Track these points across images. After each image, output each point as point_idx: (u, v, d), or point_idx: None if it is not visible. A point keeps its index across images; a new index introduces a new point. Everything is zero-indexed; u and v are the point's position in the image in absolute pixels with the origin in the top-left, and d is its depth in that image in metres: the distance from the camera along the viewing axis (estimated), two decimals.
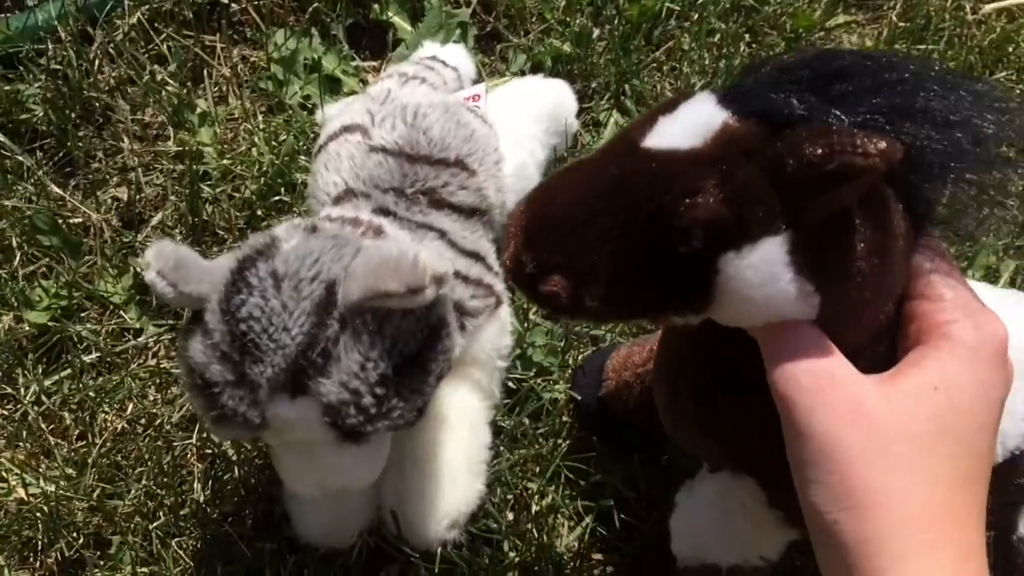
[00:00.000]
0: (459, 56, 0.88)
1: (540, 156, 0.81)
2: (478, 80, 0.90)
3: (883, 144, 0.35)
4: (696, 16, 0.98)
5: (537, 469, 0.74)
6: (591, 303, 0.42)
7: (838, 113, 0.37)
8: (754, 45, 0.98)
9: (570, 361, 0.79)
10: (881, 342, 0.44)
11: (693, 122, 0.40)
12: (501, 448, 0.74)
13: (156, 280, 0.52)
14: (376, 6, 0.99)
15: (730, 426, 0.50)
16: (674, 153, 0.40)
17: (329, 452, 0.54)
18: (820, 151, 0.36)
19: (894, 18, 1.01)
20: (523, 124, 0.80)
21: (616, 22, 0.96)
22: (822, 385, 0.39)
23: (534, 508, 0.73)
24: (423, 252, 0.52)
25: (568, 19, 0.98)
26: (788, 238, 0.39)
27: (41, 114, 0.90)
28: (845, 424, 0.38)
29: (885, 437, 0.38)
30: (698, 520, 0.58)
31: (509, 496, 0.74)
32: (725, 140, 0.39)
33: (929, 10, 1.00)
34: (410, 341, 0.53)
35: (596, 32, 0.96)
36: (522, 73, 0.96)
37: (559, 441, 0.74)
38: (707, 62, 0.95)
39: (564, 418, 0.75)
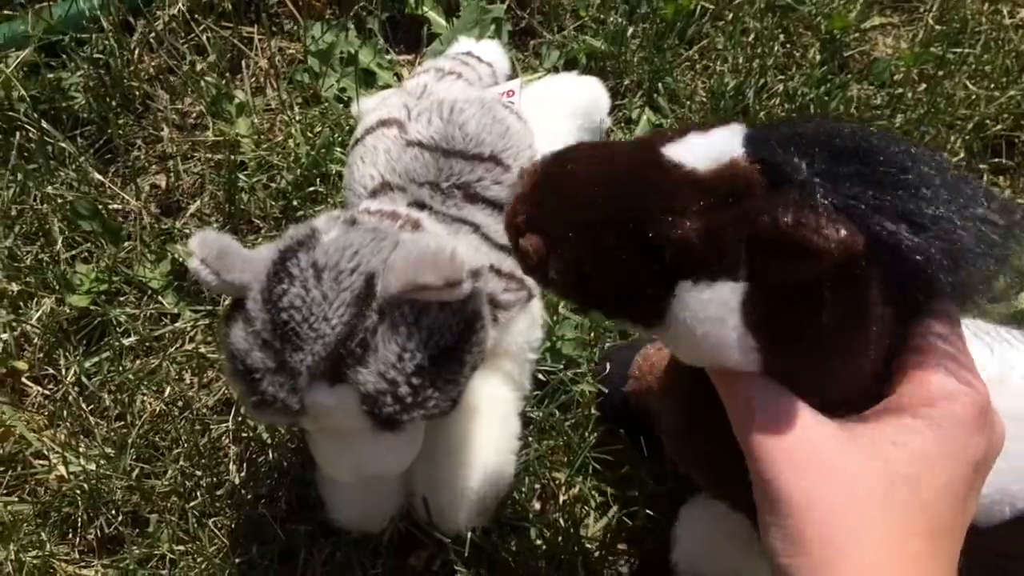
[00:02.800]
0: (494, 52, 0.89)
1: None
2: (512, 76, 0.91)
3: (843, 233, 0.36)
4: (731, 15, 0.98)
5: (565, 459, 0.75)
6: (553, 275, 0.44)
7: (822, 192, 0.37)
8: (788, 45, 0.98)
9: (598, 354, 0.80)
10: (870, 397, 0.44)
11: (712, 147, 0.41)
12: (530, 439, 0.75)
13: (199, 268, 0.54)
14: (412, 1, 1.00)
15: (717, 462, 0.50)
16: (680, 169, 0.41)
17: (365, 439, 0.55)
18: (788, 220, 0.37)
19: (930, 20, 1.00)
20: (557, 121, 0.81)
21: (650, 20, 0.97)
22: (780, 432, 0.39)
23: (561, 498, 0.74)
24: (460, 247, 0.53)
25: (603, 16, 0.98)
26: (744, 289, 0.40)
27: (83, 102, 0.92)
28: (801, 471, 0.38)
29: (839, 485, 0.38)
30: (698, 537, 0.59)
31: (537, 485, 0.75)
32: (726, 175, 0.40)
33: (966, 13, 0.99)
34: (446, 333, 0.54)
35: (630, 30, 0.96)
36: (555, 69, 0.97)
37: (587, 433, 0.76)
38: (740, 61, 0.96)
39: (592, 410, 0.76)
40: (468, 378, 0.57)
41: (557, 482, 0.75)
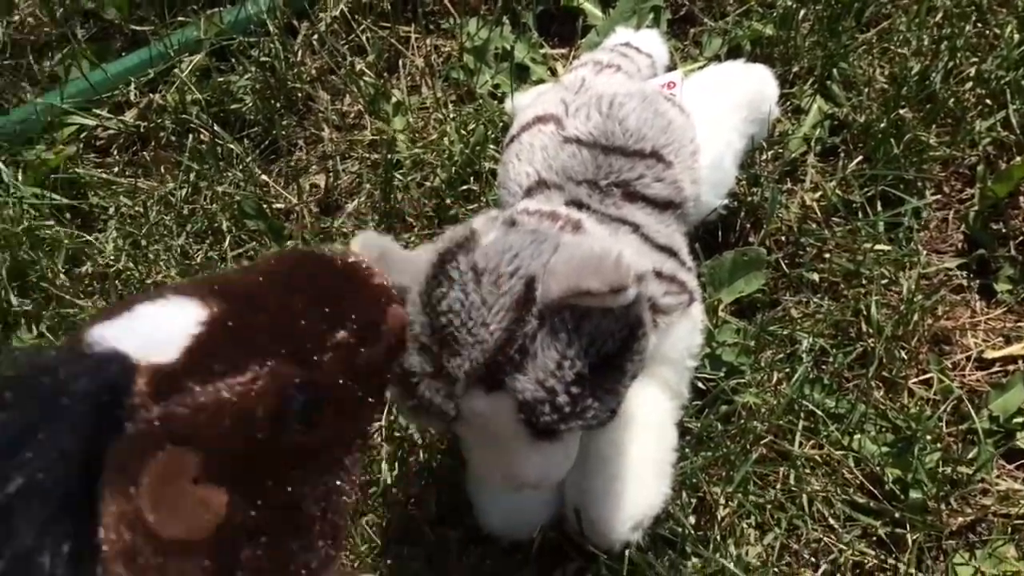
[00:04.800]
0: (653, 42, 0.86)
1: (738, 146, 0.77)
2: (672, 67, 0.87)
3: None
4: None
5: (724, 474, 0.71)
6: None
7: None
8: (980, 24, 0.89)
9: (763, 362, 0.75)
10: None
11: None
12: (687, 450, 0.71)
13: None
14: None
15: None
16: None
17: (521, 448, 0.53)
18: None
19: None
20: (721, 113, 0.77)
21: (824, 2, 0.90)
22: None
23: (719, 514, 0.70)
24: (626, 251, 0.50)
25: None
26: None
27: (250, 104, 0.95)
28: None
29: None
30: None
31: (693, 500, 0.71)
32: None
33: None
34: (608, 340, 0.51)
35: (801, 12, 0.90)
36: (718, 58, 0.92)
37: (748, 446, 0.71)
38: (926, 43, 0.87)
39: (755, 422, 0.72)
40: (628, 387, 0.54)
41: (715, 497, 0.71)
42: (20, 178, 0.91)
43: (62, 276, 0.85)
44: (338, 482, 0.37)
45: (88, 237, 0.88)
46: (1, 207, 0.89)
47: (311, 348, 0.37)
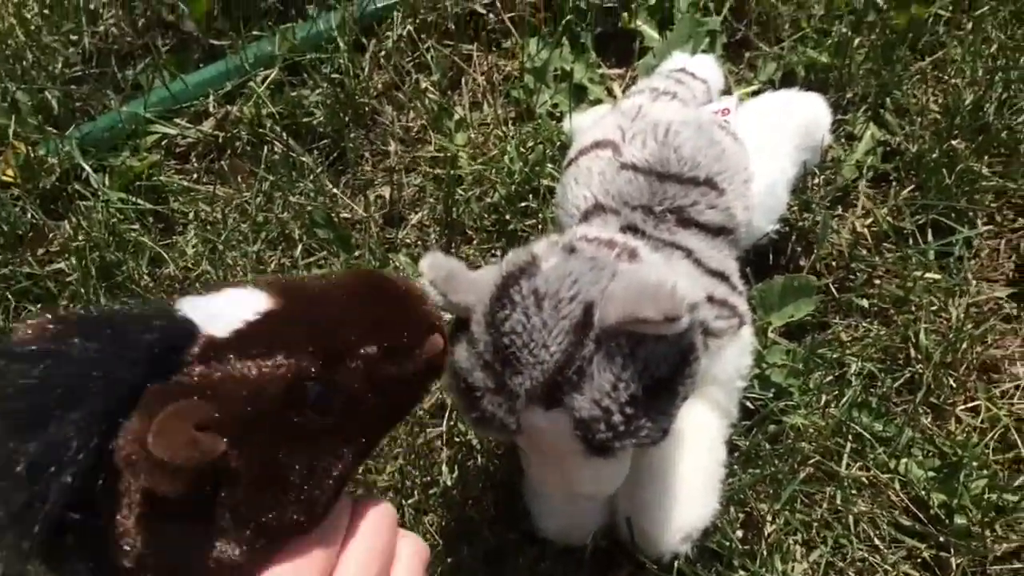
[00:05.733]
0: (709, 68, 0.88)
1: (790, 173, 0.79)
2: (727, 90, 0.90)
3: None
4: (970, 24, 0.91)
5: (771, 491, 0.74)
6: None
7: None
8: None
9: (811, 384, 0.77)
10: None
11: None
12: (735, 467, 0.74)
13: (429, 289, 0.57)
14: (625, 15, 1.00)
15: None
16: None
17: (576, 462, 0.57)
18: None
19: None
20: (775, 140, 0.79)
21: (879, 30, 0.92)
22: None
23: (766, 530, 0.73)
24: (681, 281, 0.53)
25: (826, 27, 0.94)
26: None
27: (320, 117, 1.00)
28: None
29: None
30: None
31: (740, 515, 0.74)
32: None
33: None
34: (661, 365, 0.54)
35: (856, 40, 0.92)
36: (772, 82, 0.94)
37: (796, 465, 0.73)
38: (980, 74, 0.88)
39: (803, 443, 0.74)
40: (679, 408, 0.57)
41: (762, 513, 0.74)
42: (107, 183, 0.97)
43: (146, 277, 0.91)
44: (326, 465, 0.43)
45: (170, 241, 0.94)
46: (90, 211, 0.95)
47: (339, 353, 0.44)
